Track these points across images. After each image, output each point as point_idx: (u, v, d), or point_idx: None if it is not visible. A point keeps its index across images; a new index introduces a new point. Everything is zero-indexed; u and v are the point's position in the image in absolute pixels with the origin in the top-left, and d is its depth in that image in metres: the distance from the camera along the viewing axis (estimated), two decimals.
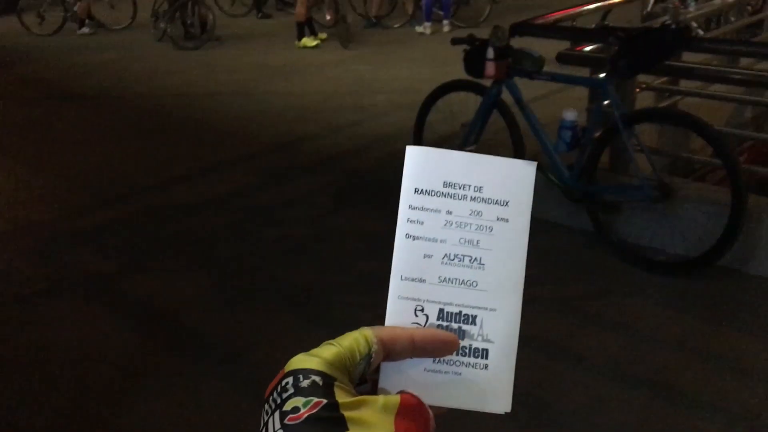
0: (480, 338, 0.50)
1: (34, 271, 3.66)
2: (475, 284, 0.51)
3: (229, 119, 6.20)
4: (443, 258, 0.51)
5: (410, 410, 0.44)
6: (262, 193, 4.68)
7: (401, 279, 0.52)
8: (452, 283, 0.51)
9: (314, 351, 0.46)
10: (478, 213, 0.52)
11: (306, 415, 0.41)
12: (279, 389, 0.44)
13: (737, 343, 2.91)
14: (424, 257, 0.51)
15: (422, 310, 0.51)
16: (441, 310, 0.51)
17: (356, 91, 7.04)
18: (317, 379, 0.43)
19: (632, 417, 2.50)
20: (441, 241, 0.51)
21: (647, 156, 3.44)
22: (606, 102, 3.45)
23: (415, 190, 0.52)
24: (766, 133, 5.09)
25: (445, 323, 0.51)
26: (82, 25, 10.54)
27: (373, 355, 0.47)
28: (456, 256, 0.51)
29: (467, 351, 0.50)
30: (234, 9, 11.70)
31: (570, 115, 3.57)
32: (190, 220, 4.24)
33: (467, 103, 4.03)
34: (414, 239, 0.52)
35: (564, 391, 2.66)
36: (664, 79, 4.16)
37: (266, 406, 0.44)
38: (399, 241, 0.52)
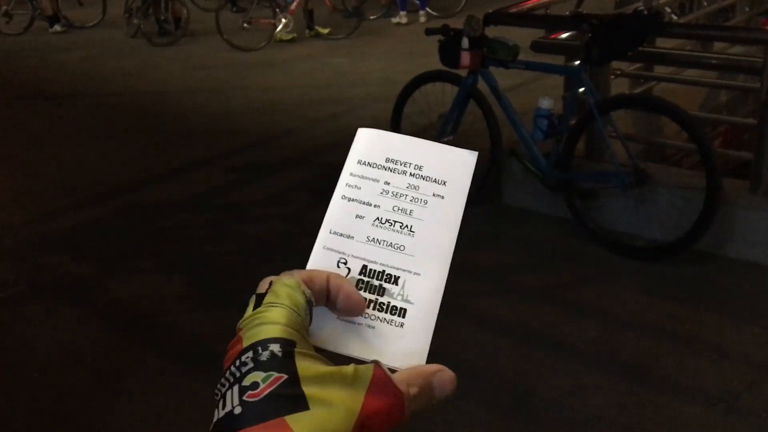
0: (399, 297, 0.51)
1: (9, 274, 3.61)
2: (402, 248, 0.52)
3: (206, 115, 6.15)
4: (374, 220, 0.53)
5: (382, 387, 0.42)
6: (241, 189, 4.65)
7: (329, 232, 0.53)
8: (379, 244, 0.52)
9: (265, 316, 0.44)
10: (415, 187, 0.53)
11: (266, 392, 0.39)
12: (238, 363, 0.42)
13: (714, 326, 2.94)
14: (356, 217, 0.53)
15: (345, 263, 0.52)
16: (364, 267, 0.51)
17: (333, 84, 7.01)
18: (276, 348, 0.41)
19: (613, 402, 2.52)
20: (375, 206, 0.53)
21: (622, 142, 3.46)
22: (581, 89, 3.46)
23: (359, 161, 0.55)
24: (740, 117, 5.14)
25: (366, 278, 0.51)
26: (52, 23, 10.38)
27: (309, 298, 0.46)
28: (387, 220, 0.52)
29: (384, 307, 0.51)
30: (208, 3, 11.58)
31: (545, 104, 3.58)
32: (168, 219, 4.21)
33: (443, 94, 4.03)
34: (349, 200, 0.54)
35: (545, 378, 2.67)
36: (638, 65, 4.19)
37: (223, 379, 0.42)
38: (335, 201, 0.54)
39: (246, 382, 0.40)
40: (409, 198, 0.53)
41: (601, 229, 3.56)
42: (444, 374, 0.46)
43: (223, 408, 0.40)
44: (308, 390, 0.40)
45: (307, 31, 9.19)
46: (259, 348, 0.41)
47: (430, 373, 0.46)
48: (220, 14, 8.73)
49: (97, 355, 2.94)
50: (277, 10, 8.99)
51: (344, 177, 0.54)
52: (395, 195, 0.53)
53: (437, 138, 3.99)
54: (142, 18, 9.33)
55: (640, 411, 2.48)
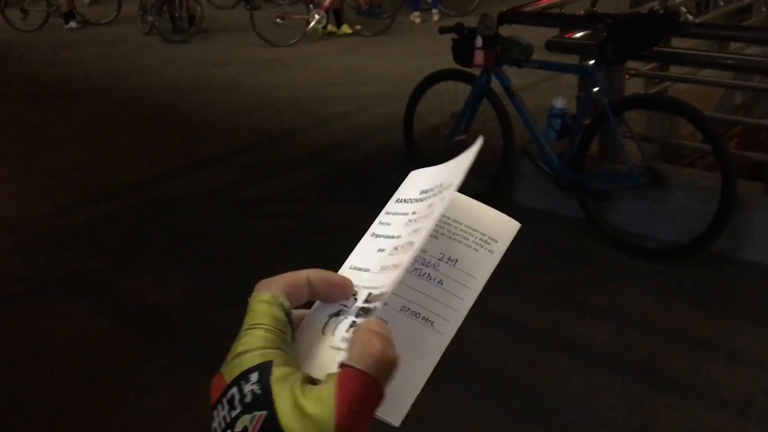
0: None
1: (22, 269, 3.64)
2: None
3: (219, 113, 6.16)
4: (392, 250, 0.51)
5: (351, 389, 0.40)
6: (253, 187, 4.66)
7: (349, 268, 0.52)
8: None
9: (243, 343, 0.44)
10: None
11: None
12: (226, 403, 0.41)
13: (729, 329, 2.91)
14: (378, 251, 0.51)
15: (354, 295, 0.50)
16: (369, 293, 0.49)
17: (346, 82, 7.01)
18: (254, 380, 0.41)
19: (624, 404, 2.50)
20: (396, 237, 0.51)
21: (637, 143, 3.43)
22: (595, 89, 3.43)
23: (396, 200, 0.55)
24: (756, 118, 5.09)
25: (367, 305, 0.49)
26: (67, 20, 10.45)
27: (288, 310, 0.46)
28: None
29: None
30: (222, 1, 11.62)
31: (559, 103, 3.56)
32: (180, 216, 4.22)
33: (456, 93, 4.01)
34: (376, 237, 0.53)
35: (556, 379, 2.65)
36: (654, 65, 4.15)
37: (216, 420, 0.42)
38: (364, 239, 0.53)
39: (238, 428, 0.40)
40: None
41: (614, 229, 3.54)
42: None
43: None
44: (285, 421, 0.39)
45: (327, 26, 9.22)
46: (243, 382, 0.41)
47: (366, 330, 0.43)
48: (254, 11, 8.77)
49: (109, 351, 2.95)
50: (311, 5, 9.01)
51: (380, 216, 0.54)
52: (415, 221, 0.51)
53: (449, 137, 3.98)
54: (157, 15, 9.38)
55: (652, 414, 2.45)
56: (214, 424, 0.42)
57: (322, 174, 4.78)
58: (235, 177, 4.78)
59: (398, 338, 0.46)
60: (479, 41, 3.62)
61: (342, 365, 0.40)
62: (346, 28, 9.18)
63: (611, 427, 2.41)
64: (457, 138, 3.97)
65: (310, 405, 0.39)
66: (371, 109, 6.02)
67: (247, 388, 0.41)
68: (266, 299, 0.46)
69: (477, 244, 0.53)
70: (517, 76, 3.88)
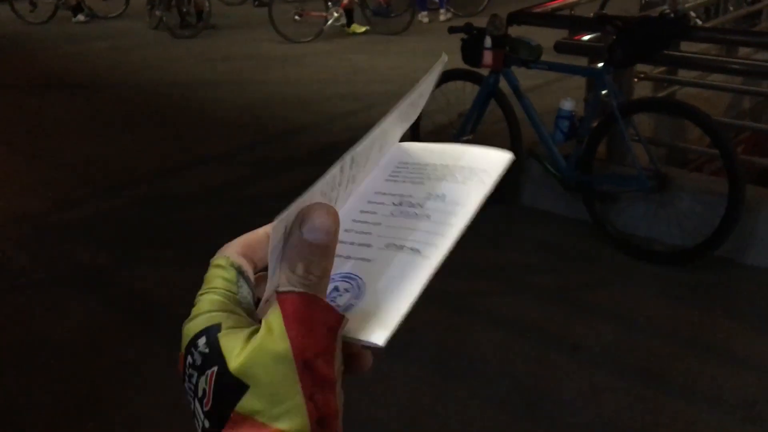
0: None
1: (28, 262, 3.65)
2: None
3: (225, 109, 6.17)
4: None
5: (295, 313, 0.38)
6: (258, 184, 4.66)
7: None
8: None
9: (194, 311, 0.43)
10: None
11: (211, 393, 0.37)
12: (187, 372, 0.40)
13: (733, 333, 2.90)
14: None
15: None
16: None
17: (353, 80, 7.01)
18: (202, 343, 0.39)
19: (627, 406, 2.50)
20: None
21: (644, 146, 3.43)
22: (603, 92, 3.43)
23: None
24: (764, 124, 5.08)
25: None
26: (76, 13, 10.47)
27: (245, 271, 0.44)
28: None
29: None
30: None
31: (567, 105, 3.56)
32: (186, 212, 4.22)
33: (464, 93, 4.01)
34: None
35: (559, 380, 2.65)
36: (662, 68, 4.14)
37: (187, 390, 0.40)
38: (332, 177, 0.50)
39: (199, 393, 0.38)
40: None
41: (620, 232, 3.54)
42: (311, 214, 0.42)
43: (199, 427, 0.39)
44: (237, 369, 0.37)
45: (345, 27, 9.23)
46: (192, 348, 0.40)
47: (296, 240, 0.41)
48: (273, 6, 8.77)
49: (113, 344, 2.95)
50: (330, 2, 9.02)
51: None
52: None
53: (457, 137, 3.98)
54: (165, 10, 9.39)
55: (655, 416, 2.45)
56: (187, 392, 0.40)
57: None
58: (240, 174, 4.78)
59: (382, 270, 0.46)
60: (488, 41, 3.62)
61: (277, 294, 0.39)
62: (356, 27, 9.18)
63: (614, 428, 2.41)
64: (465, 138, 3.97)
65: (262, 340, 0.37)
66: (377, 108, 6.02)
67: (197, 351, 0.39)
68: (220, 263, 0.45)
69: (466, 177, 0.52)
70: (526, 78, 3.88)
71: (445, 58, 0.53)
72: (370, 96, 6.34)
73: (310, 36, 8.70)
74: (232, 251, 0.46)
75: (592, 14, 4.02)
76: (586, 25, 3.98)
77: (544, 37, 3.79)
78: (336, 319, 0.39)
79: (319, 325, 0.38)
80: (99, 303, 3.27)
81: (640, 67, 3.88)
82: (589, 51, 3.88)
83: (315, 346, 0.37)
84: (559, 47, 3.84)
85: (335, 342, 0.38)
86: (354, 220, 0.50)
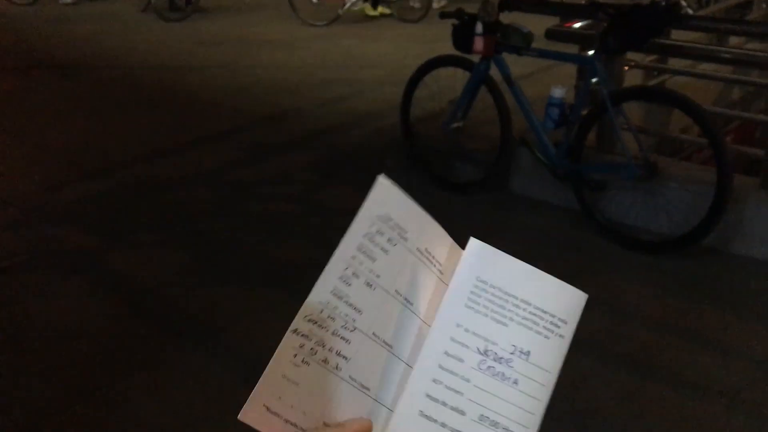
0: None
1: (14, 244, 3.61)
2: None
3: (215, 93, 6.12)
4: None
5: None
6: (248, 168, 4.64)
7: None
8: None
9: None
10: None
11: None
12: None
13: (719, 322, 2.92)
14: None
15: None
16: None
17: (344, 65, 6.97)
18: None
19: (613, 395, 2.51)
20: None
21: (634, 135, 3.43)
22: (594, 79, 3.42)
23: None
24: (753, 113, 5.10)
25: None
26: None
27: None
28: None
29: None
30: None
31: (558, 92, 3.55)
32: (174, 195, 4.20)
33: (455, 79, 4.00)
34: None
35: None
36: (653, 57, 4.14)
37: None
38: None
39: None
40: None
41: (609, 220, 3.54)
42: None
43: None
44: None
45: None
46: None
47: None
48: None
49: (100, 327, 2.94)
50: None
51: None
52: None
53: (447, 124, 3.97)
54: None
55: (641, 404, 2.47)
56: None
57: (318, 157, 4.76)
58: (230, 157, 4.75)
59: None
60: (479, 27, 3.60)
61: None
62: (381, 9, 9.21)
63: (601, 417, 2.43)
64: (455, 125, 3.96)
65: None
66: (367, 94, 5.99)
67: None
68: None
69: (547, 329, 0.51)
70: (516, 65, 3.87)
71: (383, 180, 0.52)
72: (361, 81, 6.31)
73: (326, 20, 8.68)
74: None
75: (583, 1, 4.00)
76: (577, 12, 3.97)
77: (536, 23, 3.77)
78: None
79: None
80: (86, 286, 3.25)
81: (631, 56, 3.88)
82: (580, 38, 3.87)
83: None
84: (551, 34, 3.83)
85: None
86: (442, 367, 0.49)
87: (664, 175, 3.39)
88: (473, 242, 0.53)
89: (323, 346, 0.49)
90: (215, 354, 2.76)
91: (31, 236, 3.71)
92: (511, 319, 0.50)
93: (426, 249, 0.52)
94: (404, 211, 0.53)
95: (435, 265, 0.52)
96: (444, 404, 0.48)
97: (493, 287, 0.51)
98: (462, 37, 3.70)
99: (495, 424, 0.47)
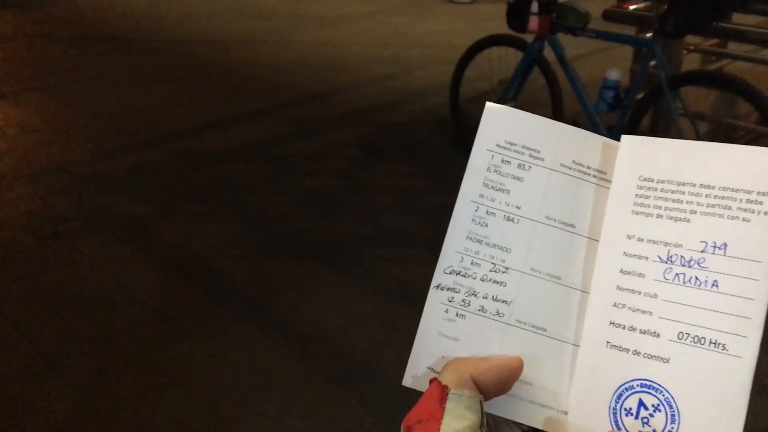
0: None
1: (68, 210, 3.71)
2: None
3: (263, 67, 6.16)
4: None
5: (425, 394, 0.43)
6: (294, 142, 4.66)
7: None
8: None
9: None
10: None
11: None
12: None
13: None
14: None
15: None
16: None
17: (391, 43, 6.94)
18: None
19: None
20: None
21: (691, 120, 3.35)
22: (652, 62, 3.34)
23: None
24: None
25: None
26: None
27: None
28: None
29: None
30: None
31: (614, 75, 3.48)
32: (222, 167, 4.25)
33: (507, 59, 3.94)
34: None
35: None
36: (713, 41, 4.02)
37: None
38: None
39: None
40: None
41: None
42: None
43: None
44: None
45: None
46: None
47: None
48: None
49: (149, 293, 3.00)
50: None
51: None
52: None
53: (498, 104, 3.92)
54: None
55: None
56: None
57: (364, 134, 4.76)
58: (277, 132, 4.79)
59: (688, 378, 0.40)
60: (535, 6, 3.54)
61: None
62: None
63: None
64: (507, 105, 3.91)
65: None
66: (415, 72, 5.96)
67: None
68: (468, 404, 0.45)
69: (745, 210, 0.41)
70: (570, 46, 3.80)
71: None
72: (409, 60, 6.28)
73: None
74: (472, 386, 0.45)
75: None
76: None
77: (593, 3, 3.69)
78: (443, 391, 0.43)
79: (430, 399, 0.43)
80: (136, 253, 3.32)
81: (690, 39, 3.77)
82: (639, 20, 3.78)
83: (419, 414, 0.42)
84: (608, 15, 3.75)
85: (441, 410, 0.42)
86: (621, 288, 0.43)
87: None
88: (625, 139, 0.47)
89: (475, 295, 0.45)
90: (261, 325, 2.80)
91: (84, 202, 3.80)
92: (693, 212, 0.42)
93: (573, 161, 0.47)
94: (529, 130, 0.48)
95: (590, 174, 0.46)
96: (632, 329, 0.42)
97: (661, 182, 0.44)
98: (517, 15, 3.64)
99: (700, 339, 0.40)
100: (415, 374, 0.46)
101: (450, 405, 0.42)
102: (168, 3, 8.77)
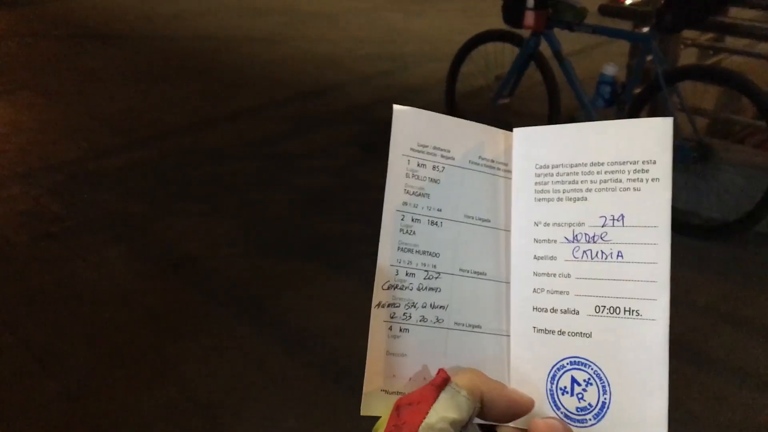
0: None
1: (61, 210, 3.68)
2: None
3: (259, 64, 6.12)
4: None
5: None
6: (290, 140, 4.64)
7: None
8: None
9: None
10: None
11: None
12: None
13: None
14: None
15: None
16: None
17: (388, 40, 6.91)
18: None
19: None
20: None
21: (688, 115, 3.33)
22: (649, 57, 3.32)
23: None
24: None
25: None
26: None
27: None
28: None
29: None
30: None
31: (610, 70, 3.46)
32: (218, 165, 4.22)
33: (503, 55, 3.92)
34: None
35: None
36: (710, 35, 4.01)
37: None
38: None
39: None
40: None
41: None
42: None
43: None
44: None
45: None
46: None
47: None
48: None
49: (144, 293, 2.98)
50: None
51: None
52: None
53: (493, 101, 3.90)
54: None
55: (684, 390, 2.42)
56: None
57: (361, 132, 4.74)
58: (273, 130, 4.76)
59: (610, 348, 0.41)
60: (531, 2, 3.52)
61: None
62: None
63: None
64: (502, 101, 3.89)
65: None
66: (412, 69, 5.93)
67: None
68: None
69: (633, 180, 0.42)
70: (566, 41, 3.78)
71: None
72: (405, 56, 6.25)
73: None
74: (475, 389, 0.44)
75: None
76: None
77: None
78: (441, 377, 0.43)
79: (428, 386, 0.42)
80: (130, 252, 3.30)
81: (686, 34, 3.76)
82: (636, 15, 3.76)
83: (412, 398, 0.42)
84: (604, 10, 3.73)
85: (434, 395, 0.42)
86: (537, 274, 0.44)
87: (718, 158, 3.28)
88: (517, 132, 0.46)
89: (415, 306, 0.45)
90: (258, 323, 2.78)
91: (78, 202, 3.77)
92: (589, 190, 0.43)
93: (479, 156, 0.47)
94: (437, 130, 0.48)
95: (496, 168, 0.47)
96: (554, 311, 0.43)
97: (556, 166, 0.44)
98: (512, 11, 3.62)
99: (615, 309, 0.42)
100: (371, 401, 0.45)
101: (445, 395, 0.42)
102: (161, 1, 8.72)
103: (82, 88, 5.57)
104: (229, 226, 3.55)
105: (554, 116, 3.73)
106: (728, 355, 2.59)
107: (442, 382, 0.42)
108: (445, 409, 0.41)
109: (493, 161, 0.47)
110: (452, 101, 4.22)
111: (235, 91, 5.49)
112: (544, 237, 0.44)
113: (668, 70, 3.24)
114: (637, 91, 3.46)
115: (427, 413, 0.41)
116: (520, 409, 0.44)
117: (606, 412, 0.43)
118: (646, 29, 3.38)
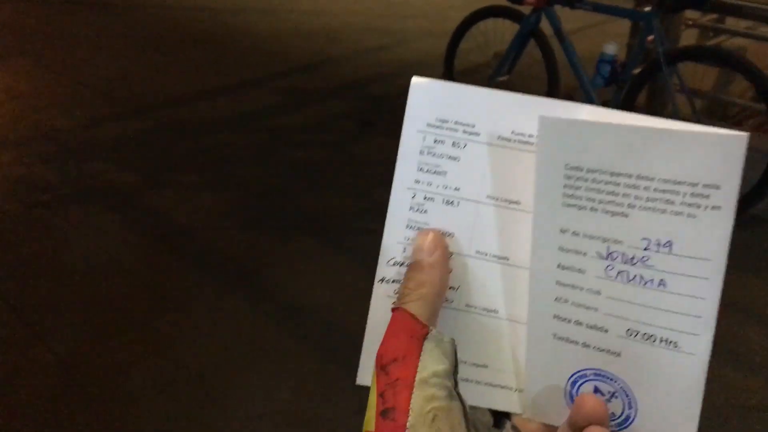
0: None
1: (54, 178, 3.64)
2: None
3: (254, 37, 6.05)
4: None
5: (390, 327, 0.41)
6: (285, 114, 4.60)
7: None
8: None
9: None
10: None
11: None
12: None
13: (764, 293, 2.85)
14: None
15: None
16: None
17: (385, 14, 6.83)
18: None
19: None
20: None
21: (687, 96, 3.31)
22: (650, 37, 3.29)
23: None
24: None
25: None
26: None
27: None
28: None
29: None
30: None
31: (611, 49, 3.43)
32: (211, 138, 4.18)
33: (503, 32, 3.88)
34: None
35: None
36: (711, 16, 3.97)
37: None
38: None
39: None
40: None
41: None
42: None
43: None
44: None
45: None
46: None
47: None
48: None
49: (136, 263, 2.96)
50: None
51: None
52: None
53: (492, 78, 3.87)
54: None
55: None
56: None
57: (356, 106, 4.70)
58: (267, 103, 4.71)
59: (641, 370, 0.39)
60: None
61: None
62: None
63: None
64: (500, 78, 3.86)
65: None
66: (409, 44, 5.87)
67: None
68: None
69: (690, 205, 0.36)
70: (566, 19, 3.74)
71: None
72: (403, 31, 6.19)
73: None
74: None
75: None
76: None
77: None
78: (420, 327, 0.40)
79: (403, 332, 0.40)
80: (123, 222, 3.27)
81: (688, 14, 3.72)
82: None
83: (395, 351, 0.40)
84: None
85: (418, 347, 0.40)
86: (560, 284, 0.40)
87: None
88: (543, 121, 0.39)
89: None
90: (250, 297, 2.77)
91: (70, 172, 3.73)
92: (631, 206, 0.37)
93: (512, 131, 0.42)
94: (461, 103, 0.43)
95: (531, 143, 0.42)
96: (578, 323, 0.39)
97: (591, 171, 0.38)
98: None
99: (650, 337, 0.38)
100: (367, 372, 0.43)
101: (429, 345, 0.40)
102: None
103: (76, 55, 5.49)
104: (223, 199, 3.52)
105: (553, 94, 3.70)
106: (723, 338, 2.59)
107: (421, 332, 0.40)
108: (434, 362, 0.39)
109: (530, 135, 0.42)
110: (451, 78, 4.18)
111: (229, 62, 5.42)
112: (572, 247, 0.39)
113: (669, 50, 3.22)
114: (637, 70, 3.43)
115: (416, 367, 0.39)
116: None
117: (630, 424, 0.40)
118: (648, 8, 3.34)
